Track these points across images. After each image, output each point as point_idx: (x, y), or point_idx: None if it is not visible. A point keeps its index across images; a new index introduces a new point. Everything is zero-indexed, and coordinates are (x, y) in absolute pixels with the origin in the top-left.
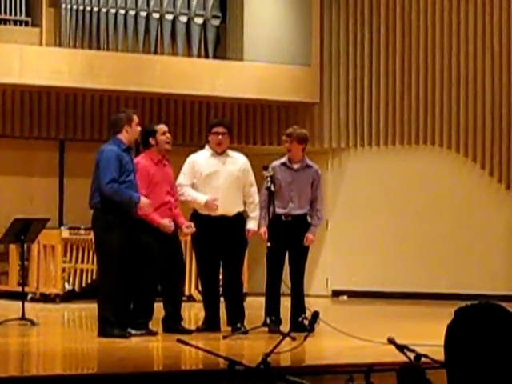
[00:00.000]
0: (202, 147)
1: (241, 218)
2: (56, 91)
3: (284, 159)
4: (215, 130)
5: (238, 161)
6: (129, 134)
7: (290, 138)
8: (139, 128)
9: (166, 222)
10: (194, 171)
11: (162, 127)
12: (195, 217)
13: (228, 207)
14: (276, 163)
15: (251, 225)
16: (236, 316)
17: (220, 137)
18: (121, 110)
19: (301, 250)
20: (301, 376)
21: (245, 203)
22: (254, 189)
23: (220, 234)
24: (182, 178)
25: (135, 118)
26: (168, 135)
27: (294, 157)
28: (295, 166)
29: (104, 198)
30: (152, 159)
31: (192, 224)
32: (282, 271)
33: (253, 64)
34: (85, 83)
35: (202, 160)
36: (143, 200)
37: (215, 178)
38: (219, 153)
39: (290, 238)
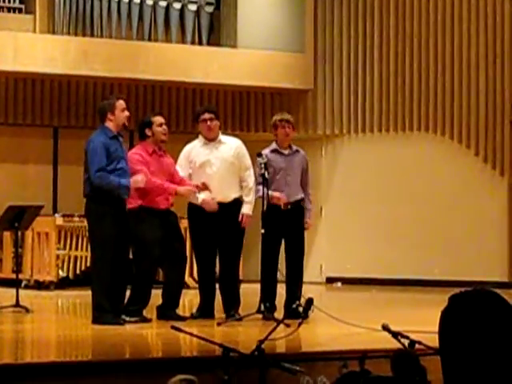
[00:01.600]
0: (196, 134)
1: (238, 204)
2: (50, 78)
3: (273, 146)
4: (202, 117)
5: (231, 146)
6: (114, 122)
7: (288, 123)
8: (125, 113)
9: (186, 188)
10: (188, 162)
11: (158, 119)
12: (192, 205)
13: (224, 194)
14: (266, 151)
15: (245, 209)
16: (231, 304)
17: (208, 123)
18: (105, 98)
19: (299, 237)
20: (295, 363)
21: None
22: (249, 172)
23: (216, 221)
24: (179, 171)
25: (118, 105)
26: (164, 127)
27: (287, 142)
28: (285, 152)
29: (94, 188)
30: (146, 150)
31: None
32: (277, 258)
33: (246, 51)
34: (78, 70)
35: (194, 150)
36: (134, 178)
37: (208, 167)
38: (211, 139)
39: (287, 225)
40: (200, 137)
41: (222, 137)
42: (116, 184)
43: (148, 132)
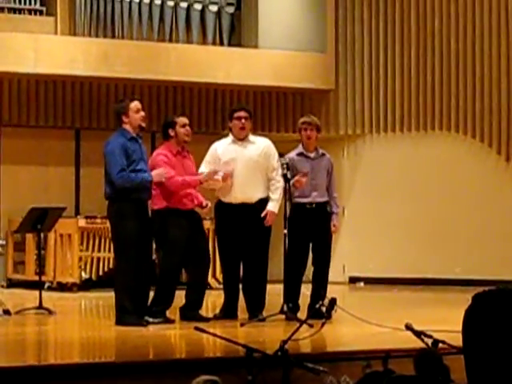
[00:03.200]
0: (217, 134)
1: (263, 204)
2: (71, 80)
3: (299, 149)
4: (237, 114)
5: (259, 145)
6: (129, 124)
7: (310, 125)
8: (140, 114)
9: (209, 175)
10: (213, 159)
11: (182, 119)
12: (218, 205)
13: (247, 194)
14: (292, 154)
15: (270, 206)
16: (256, 306)
17: (243, 120)
18: (119, 101)
19: (326, 239)
20: (318, 363)
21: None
22: (276, 172)
23: (242, 222)
24: (203, 167)
25: (132, 106)
26: (188, 128)
27: (311, 145)
28: (311, 155)
29: (117, 189)
30: (171, 151)
31: (209, 202)
32: (303, 260)
33: (268, 51)
34: (100, 72)
35: (222, 147)
36: (156, 171)
37: (233, 165)
38: (241, 138)
39: (314, 227)
40: (230, 135)
41: (251, 137)
42: (139, 180)
43: (171, 132)
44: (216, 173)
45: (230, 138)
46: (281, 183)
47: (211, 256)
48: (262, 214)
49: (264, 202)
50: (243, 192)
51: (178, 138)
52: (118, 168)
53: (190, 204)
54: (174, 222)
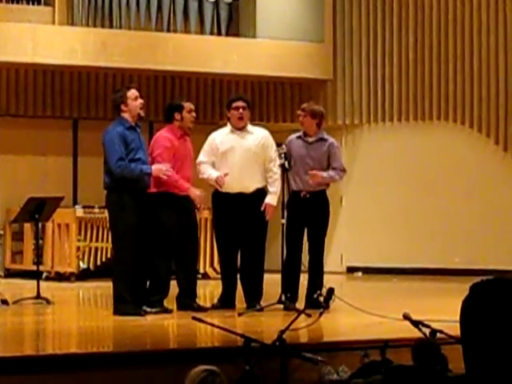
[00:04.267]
0: (215, 124)
1: (261, 194)
2: (69, 70)
3: (300, 133)
4: (235, 104)
5: (257, 136)
6: (128, 112)
7: (303, 112)
8: (139, 101)
9: (196, 192)
10: (212, 149)
11: (189, 105)
12: (215, 195)
13: (245, 184)
14: (293, 136)
15: (269, 199)
16: (254, 295)
17: (241, 110)
18: (116, 91)
19: (320, 227)
20: (316, 352)
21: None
22: (274, 163)
23: (239, 212)
24: (201, 156)
25: (130, 94)
26: (194, 114)
27: (308, 131)
28: (310, 140)
29: (116, 178)
30: (175, 134)
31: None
32: (300, 248)
33: (266, 41)
34: (98, 62)
35: (220, 137)
36: (155, 167)
37: (231, 155)
38: (239, 128)
39: (309, 215)
40: (228, 124)
41: (249, 127)
42: (138, 171)
43: (177, 116)
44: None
45: (229, 127)
46: (278, 175)
47: (209, 246)
48: (262, 208)
49: (261, 191)
50: (240, 182)
51: (184, 122)
52: (117, 157)
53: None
54: (164, 207)
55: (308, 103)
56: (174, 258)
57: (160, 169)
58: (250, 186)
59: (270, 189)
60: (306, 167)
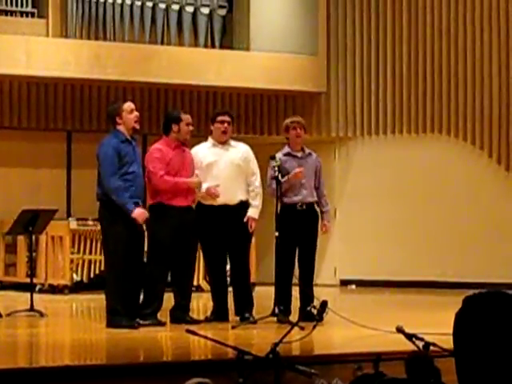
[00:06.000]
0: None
1: (244, 206)
2: (63, 82)
3: (286, 149)
4: (221, 118)
5: (239, 149)
6: (124, 125)
7: (299, 124)
8: (134, 114)
9: (193, 180)
10: (195, 162)
11: (188, 117)
12: (199, 208)
13: (229, 196)
14: (279, 154)
15: (251, 212)
16: (244, 306)
17: (225, 125)
18: (111, 103)
19: (312, 240)
20: (310, 365)
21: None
22: (256, 177)
23: (223, 224)
24: None
25: (126, 107)
26: (191, 127)
27: (299, 144)
28: (299, 154)
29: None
30: (169, 145)
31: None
32: (293, 261)
33: (259, 54)
34: (91, 74)
35: (202, 151)
36: (137, 211)
37: (215, 167)
38: (222, 142)
39: (302, 227)
40: (210, 138)
41: (231, 141)
42: (122, 203)
43: (174, 127)
44: (216, 192)
45: (210, 141)
46: (260, 189)
47: (202, 258)
48: (244, 220)
49: (244, 204)
50: (224, 194)
51: (181, 134)
52: (111, 171)
53: (184, 201)
54: (163, 219)
55: (296, 116)
56: (170, 271)
57: (140, 213)
58: (234, 198)
59: (253, 202)
60: (303, 181)
